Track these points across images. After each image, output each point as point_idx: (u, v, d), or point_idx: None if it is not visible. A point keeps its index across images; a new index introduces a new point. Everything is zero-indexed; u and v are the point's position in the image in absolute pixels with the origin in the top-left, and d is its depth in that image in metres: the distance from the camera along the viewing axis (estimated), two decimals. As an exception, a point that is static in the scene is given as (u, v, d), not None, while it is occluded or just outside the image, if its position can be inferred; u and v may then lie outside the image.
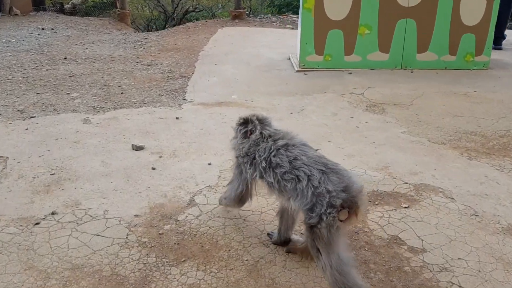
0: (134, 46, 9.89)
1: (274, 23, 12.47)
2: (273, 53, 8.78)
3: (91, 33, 11.36)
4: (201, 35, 10.92)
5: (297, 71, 7.43)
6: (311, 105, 6.05)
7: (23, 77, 7.16)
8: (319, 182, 2.34)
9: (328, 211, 2.27)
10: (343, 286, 2.30)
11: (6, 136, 4.95)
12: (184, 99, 6.35)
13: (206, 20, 13.10)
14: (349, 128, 5.28)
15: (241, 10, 12.52)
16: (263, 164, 2.60)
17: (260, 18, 13.06)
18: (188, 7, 25.68)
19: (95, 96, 6.40)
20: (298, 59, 7.69)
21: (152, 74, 7.66)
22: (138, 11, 26.29)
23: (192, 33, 11.20)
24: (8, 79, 7.04)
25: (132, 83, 7.07)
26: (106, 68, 7.89)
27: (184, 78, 7.44)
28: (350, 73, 7.25)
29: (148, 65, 8.26)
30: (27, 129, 5.17)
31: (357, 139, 4.95)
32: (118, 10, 12.75)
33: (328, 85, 6.80)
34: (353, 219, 2.38)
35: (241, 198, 2.99)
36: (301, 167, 2.43)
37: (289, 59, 8.22)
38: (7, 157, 4.44)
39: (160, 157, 4.49)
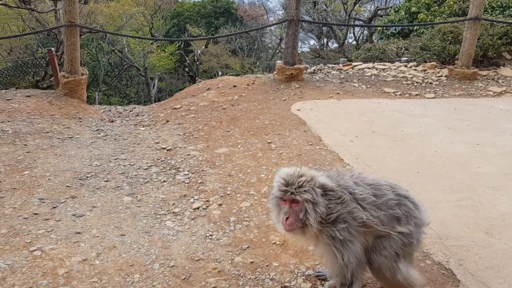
0: (184, 208, 4.04)
1: (361, 86, 7.32)
2: None
3: (34, 143, 5.06)
4: (284, 134, 5.39)
5: None
6: None
7: None
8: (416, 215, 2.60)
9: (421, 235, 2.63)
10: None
11: None
12: None
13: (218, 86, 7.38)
14: None
15: (301, 67, 7.13)
16: (370, 199, 2.51)
17: (313, 73, 7.81)
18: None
19: None
20: None
21: None
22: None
23: (241, 129, 5.59)
24: None
25: None
26: None
27: None
28: None
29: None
30: None
31: None
32: (65, 76, 6.43)
33: None
34: None
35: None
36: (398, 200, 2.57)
37: None
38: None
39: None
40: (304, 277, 3.12)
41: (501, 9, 9.66)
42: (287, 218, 2.42)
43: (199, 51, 24.55)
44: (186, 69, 24.24)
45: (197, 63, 24.27)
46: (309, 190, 2.40)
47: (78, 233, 3.49)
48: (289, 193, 2.41)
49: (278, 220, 2.51)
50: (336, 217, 2.46)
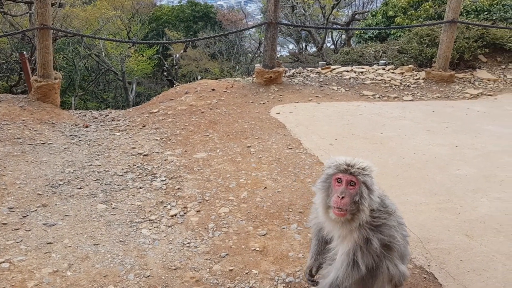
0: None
1: (340, 89, 7.30)
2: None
3: (4, 149, 4.87)
4: (263, 138, 5.32)
5: None
6: None
7: None
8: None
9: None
10: None
11: None
12: None
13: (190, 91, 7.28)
14: None
15: (280, 70, 7.10)
16: (402, 225, 2.53)
17: (292, 76, 7.78)
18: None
19: None
20: None
21: None
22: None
23: (224, 134, 5.51)
24: None
25: None
26: None
27: None
28: None
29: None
30: None
31: None
32: (38, 81, 6.24)
33: None
34: None
35: None
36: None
37: None
38: None
39: None
40: (284, 284, 3.04)
41: (476, 13, 9.82)
42: (342, 198, 2.29)
43: (178, 55, 24.31)
44: (165, 74, 23.99)
45: (176, 67, 24.05)
46: (369, 175, 2.32)
47: (49, 243, 3.34)
48: (350, 171, 2.29)
49: (324, 203, 2.37)
50: (380, 224, 2.35)
